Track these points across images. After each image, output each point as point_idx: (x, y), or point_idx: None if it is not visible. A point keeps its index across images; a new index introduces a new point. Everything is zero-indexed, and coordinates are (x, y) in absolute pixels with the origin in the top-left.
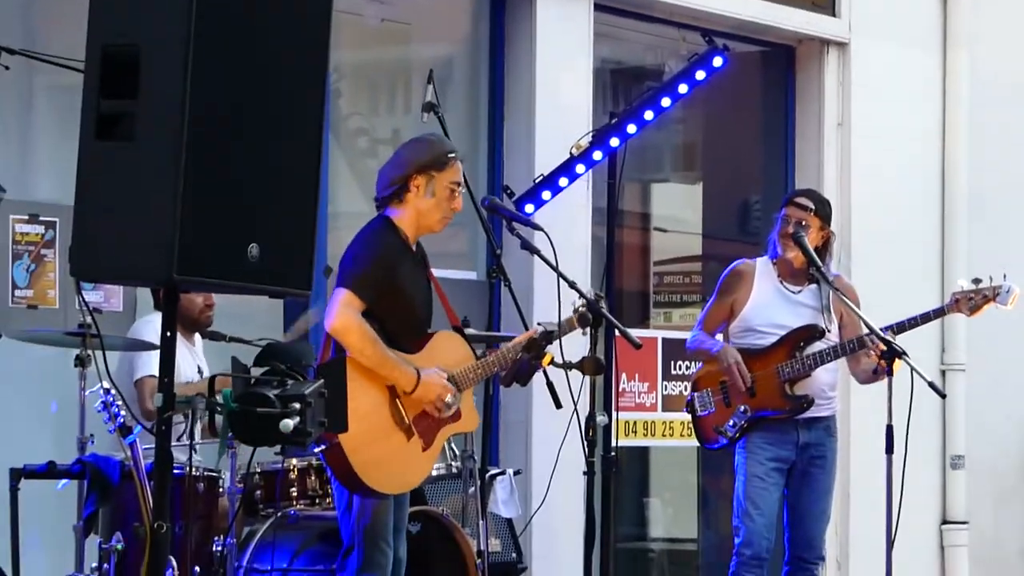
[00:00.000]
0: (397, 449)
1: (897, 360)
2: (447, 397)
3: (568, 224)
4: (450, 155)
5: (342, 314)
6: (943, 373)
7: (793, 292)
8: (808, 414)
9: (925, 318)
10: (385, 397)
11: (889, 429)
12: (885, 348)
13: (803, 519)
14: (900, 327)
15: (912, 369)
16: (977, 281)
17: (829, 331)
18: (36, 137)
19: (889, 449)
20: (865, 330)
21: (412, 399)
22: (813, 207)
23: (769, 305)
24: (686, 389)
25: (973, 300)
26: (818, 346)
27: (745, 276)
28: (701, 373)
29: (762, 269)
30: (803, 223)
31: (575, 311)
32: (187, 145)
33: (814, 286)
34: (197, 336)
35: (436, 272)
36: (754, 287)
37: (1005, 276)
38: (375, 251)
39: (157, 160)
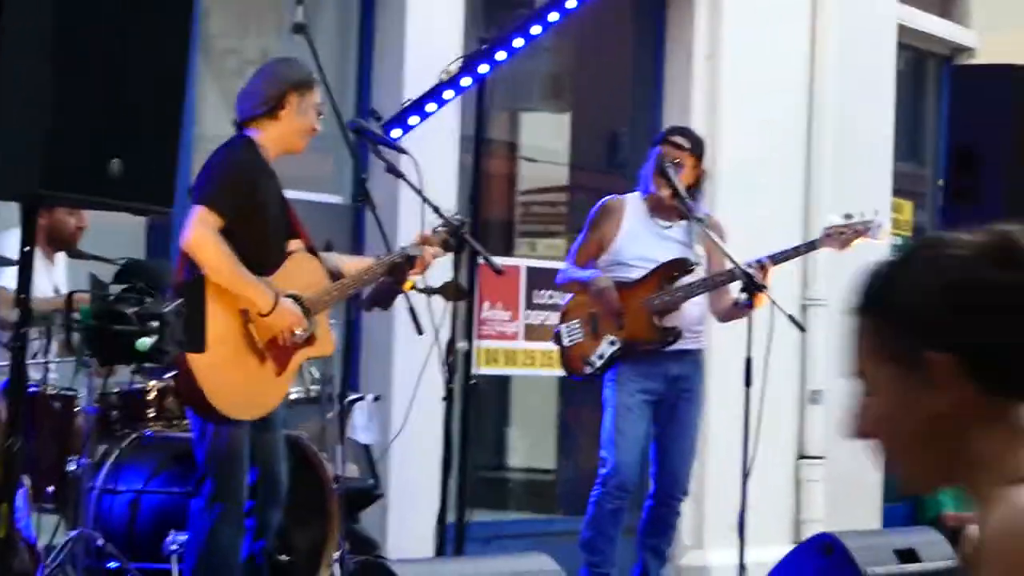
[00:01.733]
0: (250, 374)
1: (758, 294)
2: (297, 329)
3: (435, 150)
4: (313, 76)
5: (198, 231)
6: (804, 307)
7: (664, 227)
8: (678, 346)
9: (796, 252)
10: (238, 321)
11: (748, 362)
12: (746, 282)
13: (669, 453)
14: (773, 259)
15: (772, 303)
16: (848, 216)
17: (699, 265)
18: None
19: (747, 382)
20: (731, 266)
21: (265, 323)
22: (688, 146)
23: (639, 239)
24: (548, 319)
25: (845, 235)
26: (687, 280)
27: (614, 211)
28: (570, 305)
29: (632, 204)
30: (677, 161)
31: (435, 231)
32: (51, 59)
33: (685, 222)
34: (59, 255)
35: (301, 195)
36: (623, 222)
37: (876, 212)
38: (233, 168)
39: (22, 74)
